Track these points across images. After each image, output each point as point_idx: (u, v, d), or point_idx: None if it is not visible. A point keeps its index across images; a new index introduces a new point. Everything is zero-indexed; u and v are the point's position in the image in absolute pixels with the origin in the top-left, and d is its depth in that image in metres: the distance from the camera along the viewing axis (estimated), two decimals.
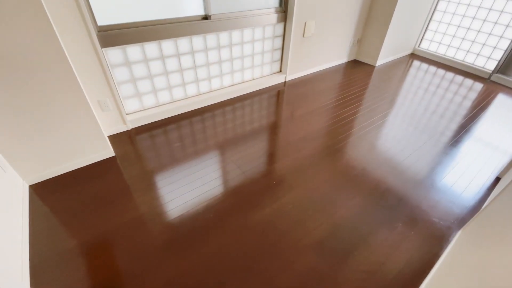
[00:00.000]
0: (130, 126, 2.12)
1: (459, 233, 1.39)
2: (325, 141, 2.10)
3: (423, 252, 1.35)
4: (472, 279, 0.91)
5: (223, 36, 2.31)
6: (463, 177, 1.83)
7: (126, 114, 2.12)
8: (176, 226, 1.40)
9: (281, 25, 2.67)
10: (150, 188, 1.62)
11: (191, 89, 2.40)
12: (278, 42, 2.77)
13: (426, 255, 1.33)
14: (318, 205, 1.56)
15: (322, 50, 3.21)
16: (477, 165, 1.95)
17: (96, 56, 1.70)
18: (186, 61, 2.21)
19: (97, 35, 1.69)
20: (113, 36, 1.76)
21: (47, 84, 1.37)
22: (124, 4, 1.74)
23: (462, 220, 1.52)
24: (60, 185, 1.60)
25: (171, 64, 2.15)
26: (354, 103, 2.68)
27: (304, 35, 2.82)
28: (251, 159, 1.89)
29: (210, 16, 2.11)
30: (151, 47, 1.98)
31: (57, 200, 1.51)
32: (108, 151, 1.82)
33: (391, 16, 3.16)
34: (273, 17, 2.52)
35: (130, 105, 2.13)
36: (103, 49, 1.76)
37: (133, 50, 1.91)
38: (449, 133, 2.28)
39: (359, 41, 3.63)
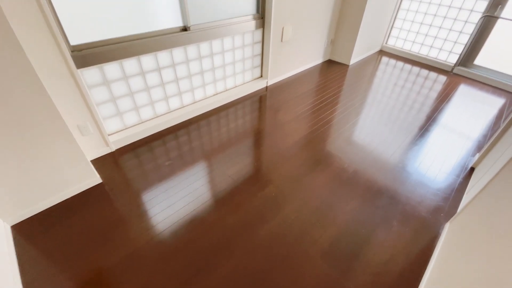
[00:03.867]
0: (113, 148, 2.00)
1: (447, 225, 1.51)
2: (313, 146, 2.15)
3: (419, 247, 1.45)
4: (464, 269, 1.00)
5: (204, 46, 2.26)
6: (442, 169, 1.98)
7: (108, 135, 2.00)
8: (179, 254, 1.36)
9: (260, 31, 2.67)
10: (143, 213, 1.55)
11: (174, 103, 2.32)
12: (257, 48, 2.77)
13: (422, 250, 1.43)
14: (319, 213, 1.61)
15: (300, 53, 3.27)
16: (452, 156, 2.12)
17: (72, 79, 1.58)
18: (168, 74, 2.13)
19: (71, 55, 1.56)
20: (88, 55, 1.64)
21: (21, 114, 1.24)
22: (98, 20, 1.62)
23: (448, 213, 1.65)
24: (46, 222, 1.48)
25: (152, 79, 2.06)
26: (334, 104, 2.77)
27: (282, 40, 2.85)
28: (245, 171, 1.88)
29: (189, 27, 2.05)
30: (130, 63, 1.88)
31: (45, 240, 1.39)
32: (94, 179, 1.71)
33: (361, 17, 3.30)
34: (252, 23, 2.51)
35: (112, 125, 2.01)
36: (79, 70, 1.64)
37: (111, 68, 1.80)
38: (421, 126, 2.46)
39: (333, 42, 3.75)
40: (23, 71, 1.17)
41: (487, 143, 1.98)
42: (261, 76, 3.03)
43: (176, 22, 1.99)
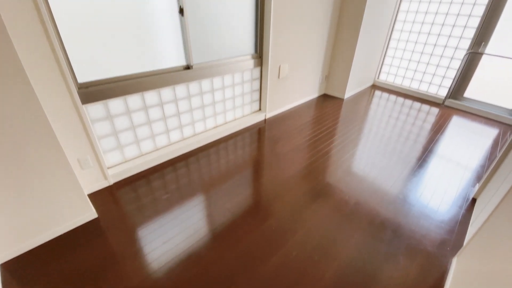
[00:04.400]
0: (111, 181, 1.99)
1: (455, 260, 1.45)
2: (313, 177, 2.15)
3: (428, 285, 1.37)
4: None
5: (205, 83, 2.37)
6: (444, 200, 1.96)
7: (108, 168, 2.00)
8: None
9: (258, 69, 2.83)
10: (138, 250, 1.49)
11: (175, 135, 2.37)
12: (256, 84, 2.91)
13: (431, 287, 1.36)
14: (321, 248, 1.55)
15: (296, 88, 3.42)
16: (452, 186, 2.11)
17: (76, 113, 1.63)
18: (170, 109, 2.21)
19: (78, 92, 1.64)
20: (94, 92, 1.72)
21: (23, 146, 1.26)
22: (105, 59, 1.73)
23: (454, 246, 1.59)
24: (38, 260, 1.41)
25: (154, 113, 2.12)
26: (331, 136, 2.82)
27: (279, 77, 3.01)
28: (244, 204, 1.85)
29: (192, 66, 2.17)
30: (133, 99, 1.95)
31: (36, 280, 1.31)
32: (89, 213, 1.67)
33: (353, 55, 3.52)
34: (250, 62, 2.67)
35: (112, 158, 2.02)
36: (84, 105, 1.70)
37: (115, 104, 1.87)
38: (419, 157, 2.48)
39: (327, 78, 3.95)
40: (29, 104, 1.21)
41: (485, 173, 1.99)
42: (260, 109, 3.14)
43: (179, 61, 2.12)
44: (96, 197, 1.86)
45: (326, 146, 2.62)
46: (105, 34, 1.66)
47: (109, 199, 1.85)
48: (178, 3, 1.91)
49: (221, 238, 1.59)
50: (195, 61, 2.20)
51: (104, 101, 1.80)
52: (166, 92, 2.12)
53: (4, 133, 1.18)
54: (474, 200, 1.96)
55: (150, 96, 2.04)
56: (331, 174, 2.20)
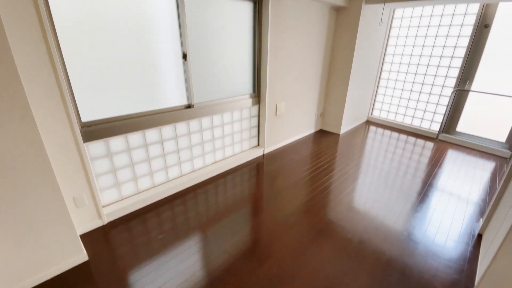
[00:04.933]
0: (106, 221, 1.93)
1: None
2: (313, 214, 2.10)
3: None
4: None
5: (205, 121, 2.45)
6: (449, 237, 1.90)
7: (103, 207, 1.95)
8: None
9: (256, 107, 2.95)
10: None
11: (173, 172, 2.36)
12: (254, 121, 3.00)
13: None
14: None
15: (293, 125, 3.52)
16: (456, 222, 2.06)
17: (76, 152, 1.65)
18: (169, 145, 2.24)
19: (81, 131, 1.67)
20: (96, 130, 1.76)
21: (19, 184, 1.25)
22: (110, 100, 1.81)
23: (466, 287, 1.50)
24: None
25: (154, 150, 2.15)
26: (330, 170, 2.83)
27: (277, 114, 3.12)
28: (243, 244, 1.78)
29: (193, 105, 2.26)
30: (134, 137, 1.99)
31: None
32: (80, 256, 1.58)
33: (345, 93, 3.70)
34: (249, 101, 2.79)
35: (108, 196, 1.98)
36: (85, 143, 1.73)
37: (116, 141, 1.90)
38: (419, 191, 2.46)
39: (322, 115, 4.10)
40: (32, 145, 1.23)
41: (487, 207, 1.96)
42: (258, 145, 3.18)
43: (181, 101, 2.21)
44: (88, 238, 1.78)
45: (326, 181, 2.61)
46: (111, 77, 1.76)
47: (101, 240, 1.77)
48: (182, 50, 2.06)
49: (218, 282, 1.49)
50: (196, 100, 2.29)
51: (105, 139, 1.83)
52: (167, 130, 2.17)
53: (2, 167, 1.18)
54: (480, 236, 1.90)
55: (151, 134, 2.08)
56: (332, 210, 2.16)
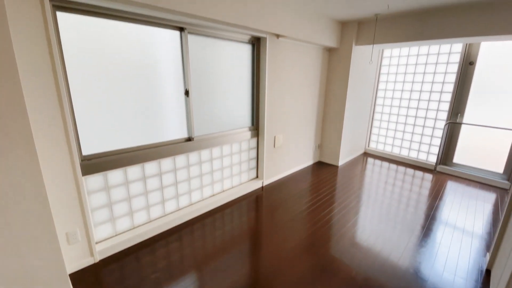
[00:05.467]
0: (98, 258, 1.84)
1: None
2: (315, 250, 2.02)
3: None
4: None
5: (204, 153, 2.47)
6: (457, 273, 1.81)
7: (96, 243, 1.88)
8: None
9: (255, 139, 3.00)
10: None
11: (170, 206, 2.32)
12: (253, 153, 3.03)
13: None
14: None
15: (291, 156, 3.55)
16: (463, 257, 1.98)
17: (74, 185, 1.63)
18: (168, 178, 2.23)
19: (81, 164, 1.68)
20: (96, 164, 1.77)
21: (11, 216, 1.21)
22: (112, 133, 1.84)
23: None
24: None
25: (152, 183, 2.13)
26: (330, 203, 2.78)
27: (275, 146, 3.16)
28: (242, 284, 1.68)
29: (193, 138, 2.31)
30: (133, 170, 1.99)
31: None
32: None
33: (342, 126, 3.80)
34: (248, 134, 2.85)
35: (102, 232, 1.92)
36: (84, 176, 1.72)
37: (115, 174, 1.90)
38: (423, 224, 2.39)
39: (320, 146, 4.16)
40: (31, 176, 1.23)
41: (493, 241, 1.90)
42: (257, 177, 3.17)
43: (182, 134, 2.26)
44: (78, 278, 1.68)
45: (326, 214, 2.56)
46: (115, 111, 1.82)
47: (91, 280, 1.67)
48: (185, 86, 2.17)
49: None
50: (196, 133, 2.34)
51: (104, 172, 1.83)
52: (166, 162, 2.19)
53: None
54: (488, 271, 1.81)
55: (150, 167, 2.09)
56: (335, 246, 2.08)
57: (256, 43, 2.70)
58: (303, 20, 2.80)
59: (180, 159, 2.28)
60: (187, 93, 2.18)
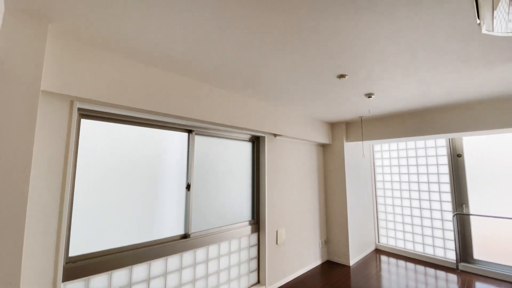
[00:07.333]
0: None
1: None
2: None
3: None
4: None
5: (200, 252, 2.27)
6: None
7: None
8: None
9: (255, 235, 2.82)
10: None
11: None
12: (253, 252, 2.78)
13: None
14: None
15: (296, 255, 3.24)
16: None
17: None
18: (156, 284, 1.96)
19: (64, 267, 1.52)
20: (80, 267, 1.60)
21: None
22: (103, 232, 1.75)
23: None
24: None
25: None
26: None
27: (278, 242, 2.94)
28: None
29: (189, 234, 2.18)
30: (119, 274, 1.78)
31: None
32: None
33: (346, 219, 3.65)
34: (248, 228, 2.71)
35: None
36: (63, 283, 1.53)
37: (98, 281, 1.68)
38: None
39: (326, 242, 3.86)
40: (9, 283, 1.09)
41: None
42: (259, 281, 2.79)
43: (178, 230, 2.15)
44: None
45: None
46: (113, 210, 1.80)
47: None
48: (187, 181, 2.23)
49: None
50: (193, 230, 2.23)
51: (86, 277, 1.64)
52: (157, 265, 1.98)
53: None
54: None
55: (138, 271, 1.88)
56: None
57: (256, 141, 2.95)
58: (296, 122, 3.16)
59: (173, 261, 2.08)
60: (188, 187, 2.21)
